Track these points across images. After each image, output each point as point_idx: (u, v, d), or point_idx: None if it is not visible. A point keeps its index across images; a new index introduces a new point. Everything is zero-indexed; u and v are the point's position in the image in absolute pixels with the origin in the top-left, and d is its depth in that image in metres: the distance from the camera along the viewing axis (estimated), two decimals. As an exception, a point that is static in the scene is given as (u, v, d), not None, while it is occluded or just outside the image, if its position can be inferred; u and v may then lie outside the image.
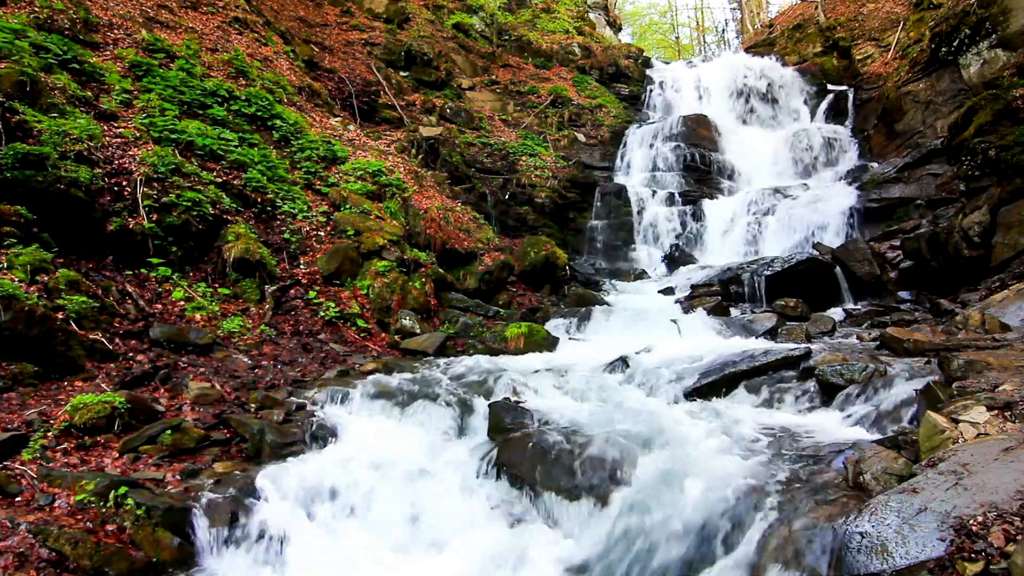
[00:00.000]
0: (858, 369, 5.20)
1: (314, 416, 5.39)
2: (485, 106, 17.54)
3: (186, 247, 7.64)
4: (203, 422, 5.22)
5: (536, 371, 6.30)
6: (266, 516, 4.21)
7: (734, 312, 9.29)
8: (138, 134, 8.11)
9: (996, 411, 3.60)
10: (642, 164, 16.12)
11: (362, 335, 7.94)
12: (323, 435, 5.15)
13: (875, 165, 14.28)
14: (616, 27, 29.43)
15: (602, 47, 21.89)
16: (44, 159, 6.60)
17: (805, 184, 14.72)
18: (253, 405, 5.62)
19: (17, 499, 4.02)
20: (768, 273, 9.89)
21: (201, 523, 4.06)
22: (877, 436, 4.21)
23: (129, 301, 6.73)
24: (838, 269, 9.83)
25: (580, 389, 5.94)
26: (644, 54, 22.82)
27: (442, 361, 7.14)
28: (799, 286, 9.56)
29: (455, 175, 13.43)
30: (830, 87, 18.17)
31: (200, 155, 8.48)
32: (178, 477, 4.52)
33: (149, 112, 8.52)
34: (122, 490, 4.06)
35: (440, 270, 9.41)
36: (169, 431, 4.90)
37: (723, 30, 40.94)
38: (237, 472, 4.60)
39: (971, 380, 4.21)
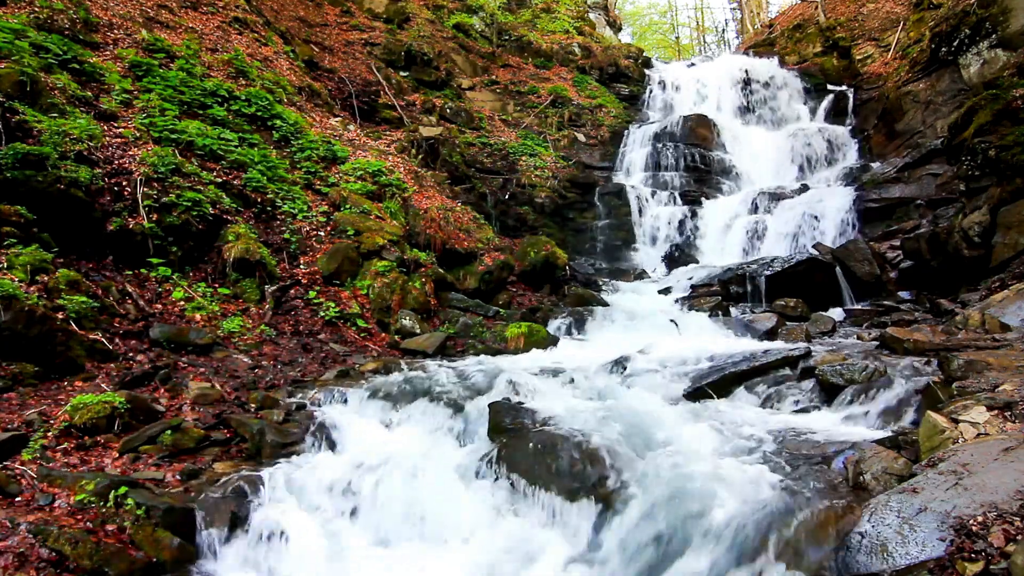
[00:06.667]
0: (858, 369, 5.19)
1: (314, 416, 5.39)
2: (485, 106, 17.54)
3: (186, 247, 7.64)
4: (203, 422, 5.22)
5: (536, 371, 6.30)
6: (266, 516, 4.21)
7: (734, 312, 9.29)
8: (138, 134, 8.11)
9: (996, 411, 3.60)
10: (642, 164, 16.12)
11: (362, 335, 7.94)
12: (323, 435, 5.14)
13: (875, 165, 14.28)
14: (616, 27, 29.42)
15: (602, 47, 21.88)
16: (44, 159, 6.60)
17: (805, 184, 14.73)
18: (253, 405, 5.62)
19: (17, 499, 4.02)
20: (768, 273, 9.90)
21: (201, 523, 4.06)
22: (877, 436, 4.21)
23: (129, 301, 6.73)
24: (838, 269, 9.82)
25: (580, 389, 5.93)
26: (644, 54, 22.81)
27: (442, 361, 7.14)
28: (799, 286, 9.56)
29: (455, 175, 13.42)
30: (830, 87, 18.17)
31: (200, 155, 8.48)
32: (178, 477, 4.52)
33: (149, 112, 8.52)
34: (122, 490, 4.06)
35: (440, 270, 9.41)
36: (169, 431, 4.91)
37: (723, 30, 40.97)
38: (237, 472, 4.59)
39: (971, 380, 4.21)
